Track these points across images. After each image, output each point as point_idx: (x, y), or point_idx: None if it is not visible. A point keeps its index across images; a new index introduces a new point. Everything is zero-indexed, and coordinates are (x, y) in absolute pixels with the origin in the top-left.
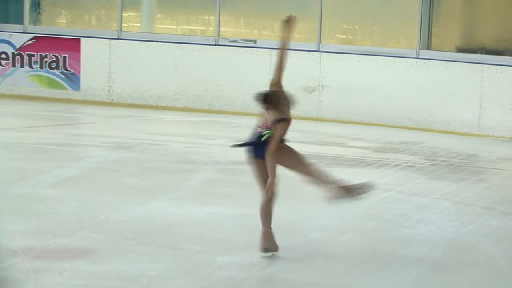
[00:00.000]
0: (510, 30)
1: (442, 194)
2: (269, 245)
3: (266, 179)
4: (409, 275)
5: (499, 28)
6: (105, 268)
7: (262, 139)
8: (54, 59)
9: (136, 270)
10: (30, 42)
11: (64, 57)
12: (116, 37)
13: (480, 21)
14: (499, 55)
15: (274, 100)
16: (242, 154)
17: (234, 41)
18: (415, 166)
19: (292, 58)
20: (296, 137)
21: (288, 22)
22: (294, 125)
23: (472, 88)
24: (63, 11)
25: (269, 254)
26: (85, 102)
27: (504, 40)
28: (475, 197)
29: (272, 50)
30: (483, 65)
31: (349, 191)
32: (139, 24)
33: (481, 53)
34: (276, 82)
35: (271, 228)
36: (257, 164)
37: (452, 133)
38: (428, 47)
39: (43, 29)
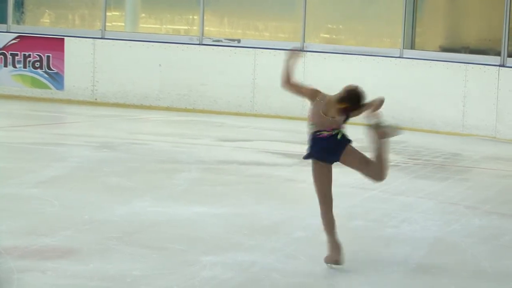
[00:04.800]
0: (493, 29)
1: (426, 193)
2: (338, 257)
3: (331, 183)
4: (393, 275)
5: (483, 28)
6: (89, 268)
7: (338, 137)
8: (38, 58)
9: (120, 269)
10: (14, 41)
11: (48, 57)
12: (100, 37)
13: (464, 21)
14: (482, 55)
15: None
16: (227, 153)
17: (218, 41)
18: (399, 165)
19: (275, 58)
20: (281, 136)
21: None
22: (279, 124)
23: (456, 88)
24: (47, 10)
25: (338, 266)
26: (69, 101)
27: (488, 40)
28: (459, 196)
29: (256, 49)
30: (467, 64)
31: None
32: (123, 24)
33: (465, 52)
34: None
35: (337, 237)
36: (327, 168)
37: (436, 132)
38: (412, 47)
39: (26, 28)
